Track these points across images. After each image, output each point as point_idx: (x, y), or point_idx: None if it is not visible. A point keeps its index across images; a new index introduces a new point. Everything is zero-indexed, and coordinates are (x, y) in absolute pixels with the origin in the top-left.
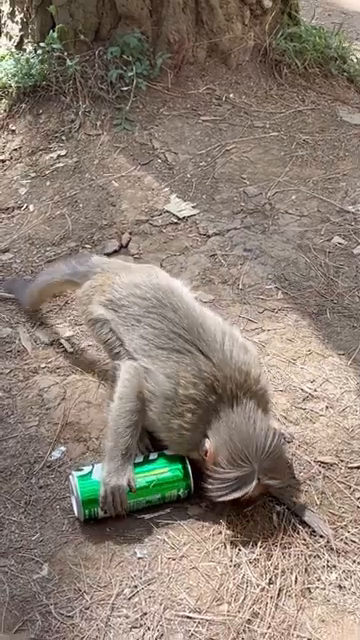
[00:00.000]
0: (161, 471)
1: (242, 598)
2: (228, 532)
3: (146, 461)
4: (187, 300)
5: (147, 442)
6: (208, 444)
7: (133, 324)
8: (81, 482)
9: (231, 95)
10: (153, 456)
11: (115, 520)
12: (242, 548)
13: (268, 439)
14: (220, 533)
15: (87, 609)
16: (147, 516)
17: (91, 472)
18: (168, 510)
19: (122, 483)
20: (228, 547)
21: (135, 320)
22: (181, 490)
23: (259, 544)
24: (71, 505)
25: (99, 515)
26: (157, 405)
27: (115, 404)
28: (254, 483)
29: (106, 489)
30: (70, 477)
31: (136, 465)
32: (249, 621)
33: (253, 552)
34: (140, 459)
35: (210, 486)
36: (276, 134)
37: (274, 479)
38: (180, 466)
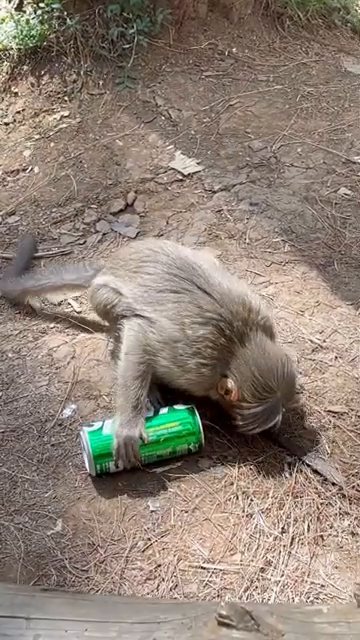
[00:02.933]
0: (172, 425)
1: (255, 547)
2: (240, 483)
3: (157, 416)
4: (179, 247)
5: (157, 395)
6: (230, 383)
7: (131, 276)
8: (92, 437)
9: (234, 49)
10: (163, 410)
11: (127, 474)
12: (254, 498)
13: (285, 366)
14: (232, 484)
15: (102, 563)
16: (159, 470)
17: (102, 427)
18: (179, 463)
19: (134, 434)
20: (240, 498)
21: (132, 272)
22: (192, 444)
23: (271, 494)
24: (83, 462)
25: (110, 469)
26: (169, 351)
27: (122, 359)
28: (280, 415)
29: (119, 441)
30: (81, 433)
31: (147, 420)
32: (262, 570)
33: (265, 502)
34: (150, 414)
35: (240, 422)
36: (280, 87)
37: (294, 402)
38: (191, 420)
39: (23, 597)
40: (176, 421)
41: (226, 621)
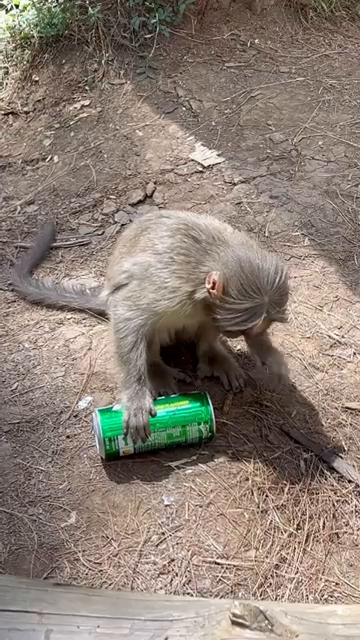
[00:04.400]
0: (181, 403)
1: (270, 544)
2: (255, 479)
3: (167, 397)
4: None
5: (174, 386)
6: (216, 275)
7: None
8: (102, 414)
9: (256, 40)
10: (174, 395)
11: (141, 466)
12: (269, 494)
13: (278, 274)
14: (247, 480)
15: (115, 556)
16: (174, 463)
17: (111, 408)
18: (194, 457)
19: (144, 404)
20: (255, 494)
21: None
22: (202, 424)
23: (286, 490)
24: (97, 452)
25: (120, 447)
26: (147, 281)
27: (114, 339)
28: (263, 316)
29: (129, 412)
30: (93, 414)
31: (156, 400)
32: (277, 566)
33: (280, 498)
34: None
35: (219, 316)
36: (302, 79)
37: (280, 315)
38: (200, 400)
39: (36, 592)
40: (186, 400)
41: (239, 620)
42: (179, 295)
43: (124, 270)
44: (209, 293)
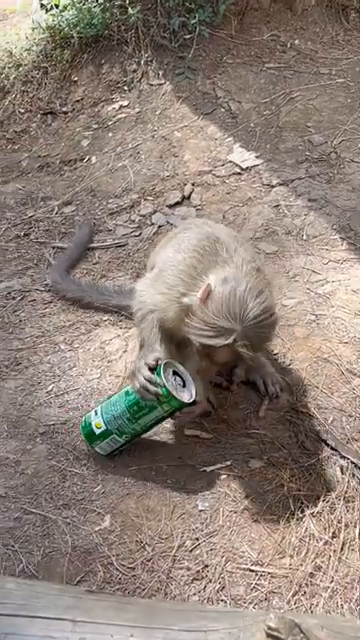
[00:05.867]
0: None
1: (304, 551)
2: (291, 485)
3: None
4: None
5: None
6: (209, 285)
7: None
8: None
9: (296, 41)
10: None
11: (172, 466)
12: (305, 501)
13: (266, 314)
14: (282, 486)
15: (149, 561)
16: (208, 468)
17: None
18: (229, 462)
19: (146, 358)
20: (290, 500)
21: None
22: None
23: (322, 498)
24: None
25: (92, 422)
26: (159, 279)
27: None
28: (229, 341)
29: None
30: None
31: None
32: (311, 574)
33: (316, 506)
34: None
35: (192, 322)
36: (342, 81)
37: (246, 350)
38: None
39: (69, 599)
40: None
41: (274, 633)
42: (172, 293)
43: (152, 260)
44: (198, 300)
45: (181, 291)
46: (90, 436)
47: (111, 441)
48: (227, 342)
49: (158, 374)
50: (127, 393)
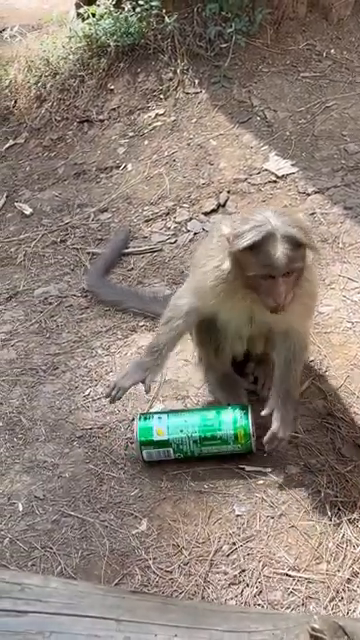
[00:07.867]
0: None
1: (342, 557)
2: (328, 491)
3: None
4: None
5: (244, 397)
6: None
7: None
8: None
9: (332, 51)
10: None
11: (208, 469)
12: (342, 508)
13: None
14: (319, 492)
15: (186, 565)
16: (248, 468)
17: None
18: (269, 470)
19: (139, 374)
20: (327, 506)
21: None
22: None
23: (359, 504)
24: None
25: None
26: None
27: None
28: (269, 230)
29: (123, 372)
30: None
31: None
32: (349, 580)
33: (353, 512)
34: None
35: (243, 265)
36: None
37: (289, 262)
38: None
39: (113, 598)
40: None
41: (319, 635)
42: (209, 271)
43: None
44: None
45: (215, 265)
46: (146, 439)
47: (164, 453)
48: (267, 238)
49: (246, 416)
50: (205, 418)
